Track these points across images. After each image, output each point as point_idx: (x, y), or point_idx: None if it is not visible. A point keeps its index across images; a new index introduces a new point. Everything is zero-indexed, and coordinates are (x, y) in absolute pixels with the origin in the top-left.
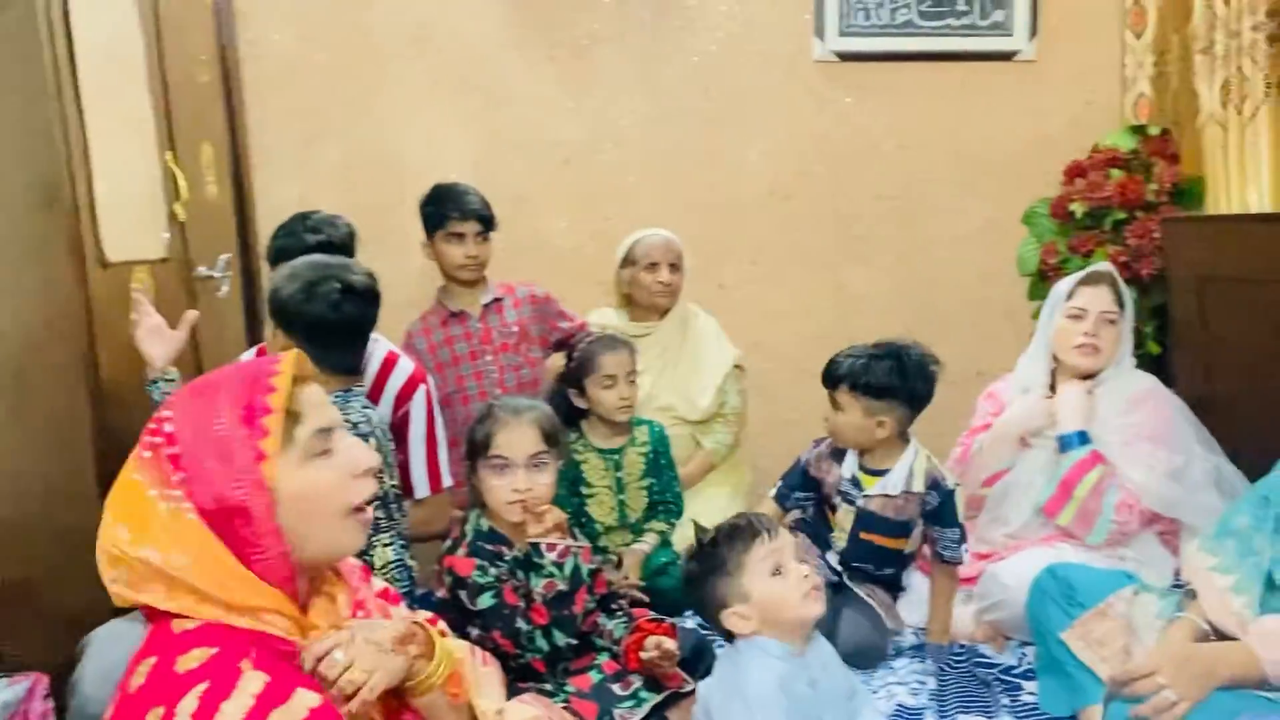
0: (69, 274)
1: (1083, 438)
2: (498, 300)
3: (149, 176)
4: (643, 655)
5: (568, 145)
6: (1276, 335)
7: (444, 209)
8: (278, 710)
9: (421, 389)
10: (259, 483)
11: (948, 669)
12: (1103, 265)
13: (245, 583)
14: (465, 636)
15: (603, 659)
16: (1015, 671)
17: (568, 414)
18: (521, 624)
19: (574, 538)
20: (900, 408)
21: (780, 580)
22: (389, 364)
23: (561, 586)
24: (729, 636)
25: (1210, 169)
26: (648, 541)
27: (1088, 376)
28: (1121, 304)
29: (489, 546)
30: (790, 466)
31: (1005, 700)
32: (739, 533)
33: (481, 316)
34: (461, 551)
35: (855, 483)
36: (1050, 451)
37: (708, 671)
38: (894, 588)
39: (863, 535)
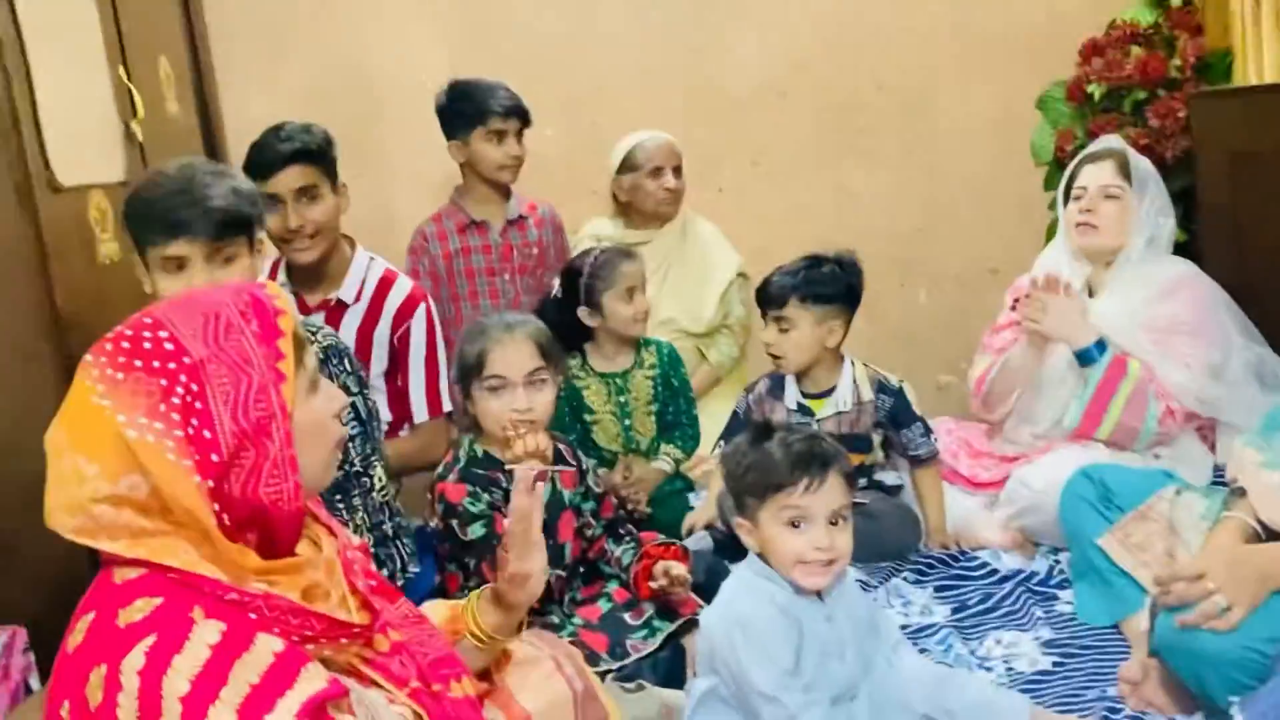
0: (14, 199)
1: (1100, 347)
2: (521, 218)
3: (99, 93)
4: (652, 584)
5: (548, 44)
6: None
7: (484, 104)
8: (239, 661)
9: (421, 308)
10: (281, 405)
11: (969, 582)
12: (1110, 139)
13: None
14: (462, 567)
15: (612, 587)
16: (1050, 581)
17: (566, 337)
18: None
19: (564, 463)
20: (845, 311)
21: (792, 536)
22: (386, 282)
23: None
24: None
25: (1238, 40)
26: (662, 464)
27: (1105, 264)
28: (1130, 179)
29: (482, 472)
30: (728, 423)
31: (1039, 612)
32: (788, 462)
33: (503, 231)
34: (453, 477)
35: (804, 410)
36: None
37: None
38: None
39: None
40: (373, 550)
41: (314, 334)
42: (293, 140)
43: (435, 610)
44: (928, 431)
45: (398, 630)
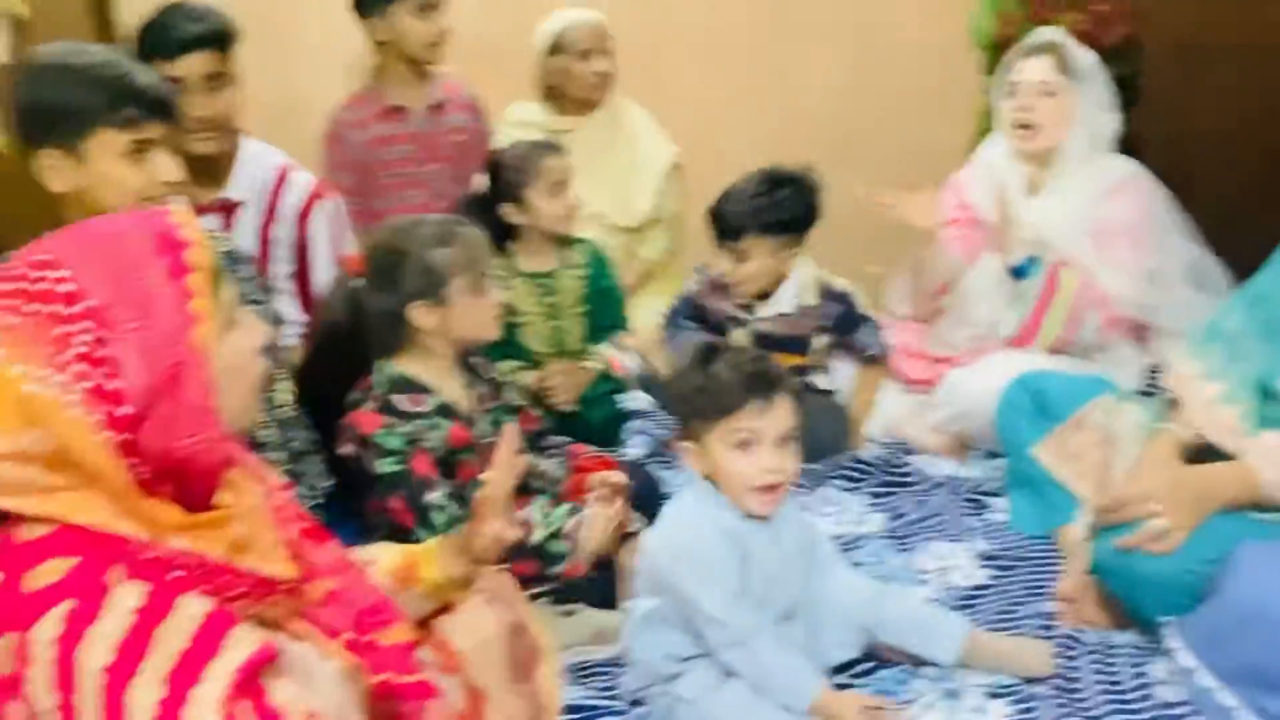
0: None
1: (1033, 260)
2: (442, 103)
3: None
4: (589, 498)
5: None
6: (1267, 109)
7: None
8: (164, 626)
9: (324, 204)
10: (195, 351)
11: (902, 489)
12: (1048, 31)
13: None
14: (371, 501)
15: (541, 501)
16: (982, 488)
17: (491, 236)
18: (434, 496)
19: (476, 377)
20: (805, 233)
21: (741, 458)
22: (283, 176)
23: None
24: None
25: None
26: (592, 365)
27: (1045, 163)
28: (1069, 74)
29: (401, 398)
30: (675, 304)
31: (974, 522)
32: (737, 384)
33: (426, 116)
34: (369, 405)
35: (746, 307)
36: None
37: (658, 510)
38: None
39: None
40: (285, 468)
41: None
42: (203, 21)
43: (386, 554)
44: (878, 330)
45: (328, 578)
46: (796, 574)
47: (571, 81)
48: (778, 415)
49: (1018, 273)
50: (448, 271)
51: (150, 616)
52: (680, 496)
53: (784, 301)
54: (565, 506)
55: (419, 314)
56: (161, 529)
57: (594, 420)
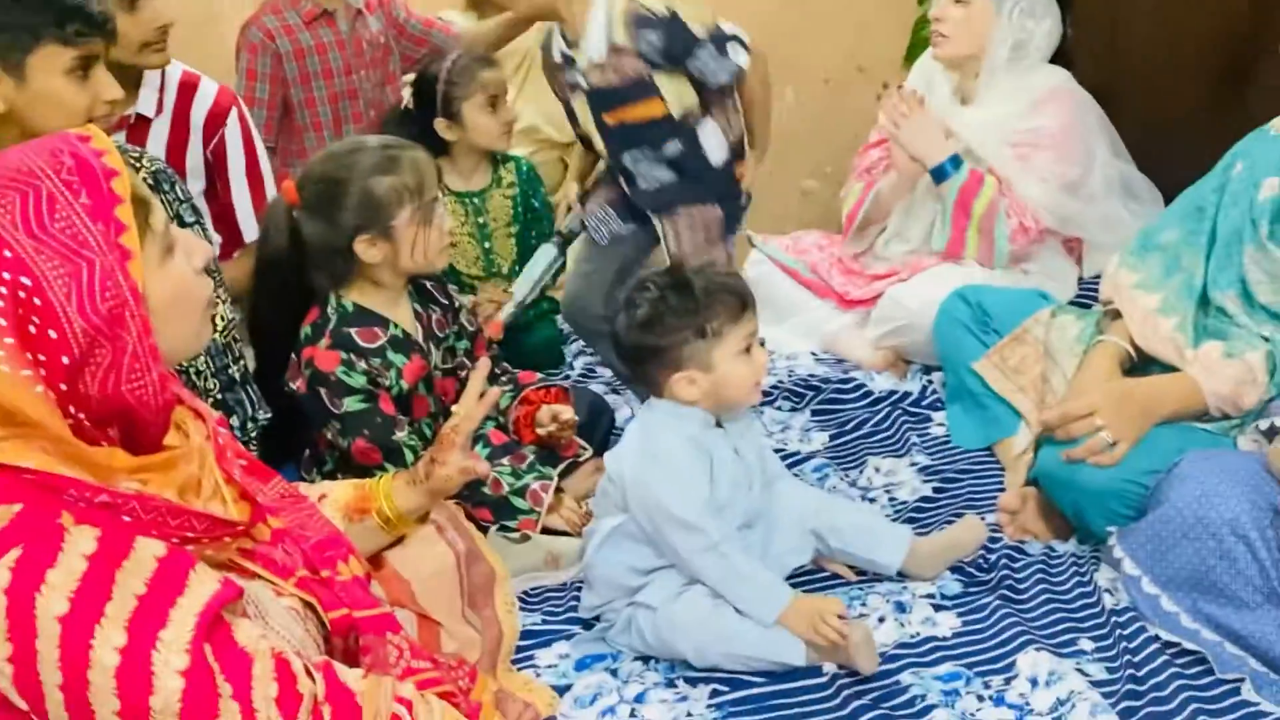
0: None
1: (955, 161)
2: (360, 8)
3: None
4: (539, 430)
5: None
6: (1186, 17)
7: None
8: (121, 569)
9: (234, 113)
10: (132, 288)
11: (844, 405)
12: None
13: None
14: (328, 436)
15: (488, 428)
16: (923, 402)
17: None
18: (402, 434)
19: (433, 300)
20: None
21: (745, 362)
22: (189, 88)
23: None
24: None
25: None
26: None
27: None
28: None
29: (356, 331)
30: None
31: (914, 437)
32: (731, 297)
33: (351, 21)
34: (324, 342)
35: (570, 62)
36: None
37: (606, 434)
38: (698, 178)
39: (608, 119)
40: (220, 397)
41: (136, 161)
42: None
43: (337, 489)
44: (722, 50)
45: (276, 516)
46: (756, 481)
47: None
48: (754, 315)
49: (938, 175)
50: (393, 202)
51: (107, 560)
52: (643, 416)
53: (593, 47)
54: (537, 471)
55: (364, 247)
56: (109, 473)
57: (534, 342)
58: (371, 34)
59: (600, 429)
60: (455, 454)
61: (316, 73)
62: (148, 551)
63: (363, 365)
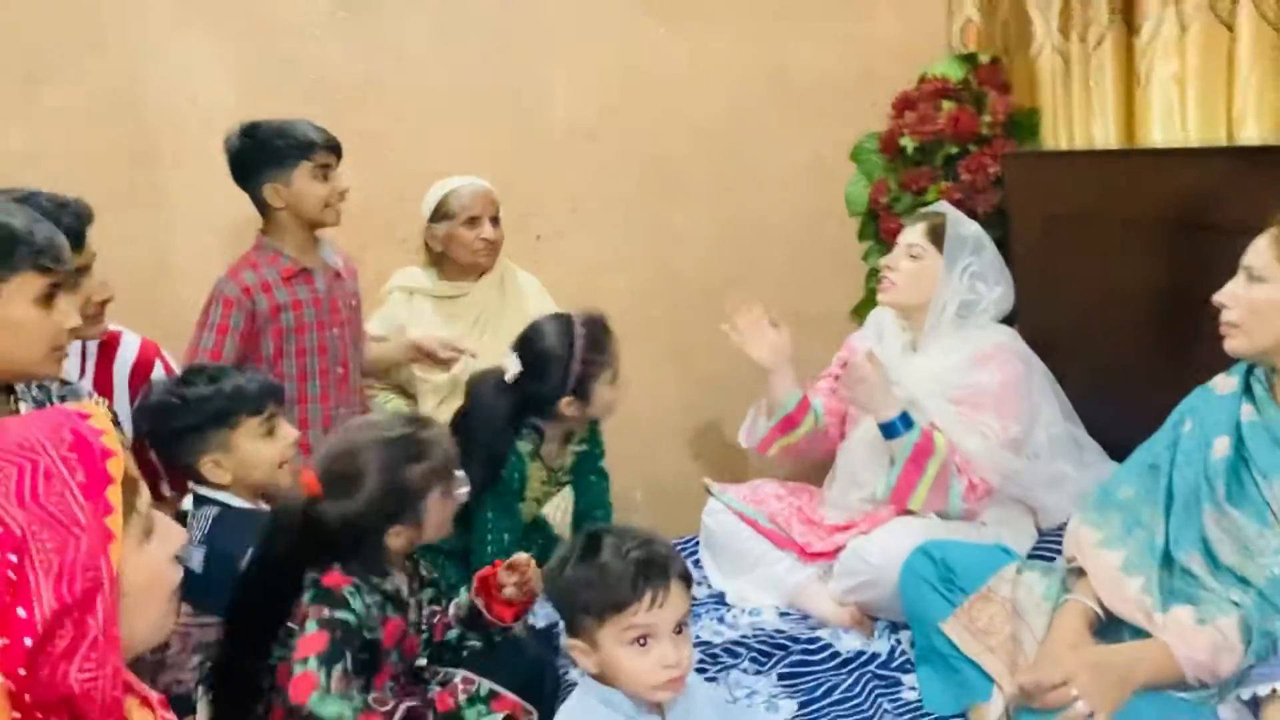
0: None
1: (905, 420)
2: (338, 267)
3: None
4: (506, 593)
5: (343, 80)
6: (1124, 276)
7: (307, 137)
8: None
9: (159, 366)
10: (109, 573)
11: (812, 668)
12: (938, 205)
13: None
14: None
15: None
16: (892, 664)
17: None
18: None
19: (421, 581)
20: None
21: (638, 655)
22: (108, 346)
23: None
24: None
25: (1047, 100)
26: None
27: (920, 323)
28: (939, 243)
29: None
30: None
31: (886, 703)
32: (628, 575)
33: (328, 279)
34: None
35: None
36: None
37: (551, 696)
38: None
39: None
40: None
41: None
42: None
43: None
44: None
45: None
46: None
47: (458, 247)
48: (674, 604)
49: (888, 432)
50: (423, 490)
51: None
52: (575, 698)
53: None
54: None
55: (393, 535)
56: None
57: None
58: (346, 292)
59: (545, 689)
60: None
61: (290, 329)
62: None
63: (369, 599)
